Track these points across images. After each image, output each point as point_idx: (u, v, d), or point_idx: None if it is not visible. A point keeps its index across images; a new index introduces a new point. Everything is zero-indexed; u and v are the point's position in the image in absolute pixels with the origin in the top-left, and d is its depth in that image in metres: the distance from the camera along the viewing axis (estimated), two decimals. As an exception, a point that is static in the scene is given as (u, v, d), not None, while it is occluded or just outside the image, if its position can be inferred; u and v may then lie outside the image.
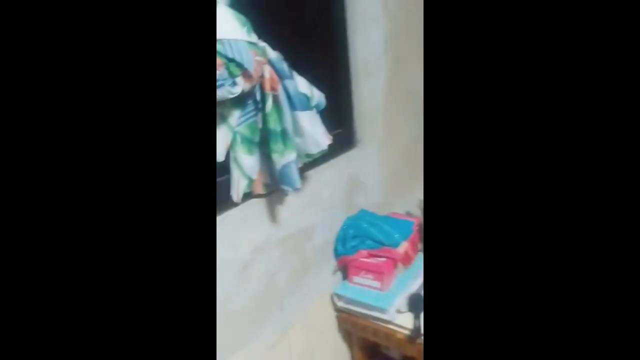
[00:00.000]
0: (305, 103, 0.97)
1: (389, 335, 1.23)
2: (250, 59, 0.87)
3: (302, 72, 1.00)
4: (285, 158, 0.97)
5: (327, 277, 1.32)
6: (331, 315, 1.33)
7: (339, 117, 1.30)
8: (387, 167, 1.48)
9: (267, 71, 0.92)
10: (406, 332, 1.19)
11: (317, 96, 1.01)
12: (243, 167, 0.99)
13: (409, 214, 1.51)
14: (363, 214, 1.34)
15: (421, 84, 1.55)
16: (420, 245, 1.38)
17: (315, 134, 1.00)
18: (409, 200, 1.53)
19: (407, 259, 1.29)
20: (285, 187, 1.00)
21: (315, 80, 1.03)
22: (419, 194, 1.52)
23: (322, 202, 1.26)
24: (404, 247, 1.27)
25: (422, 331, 1.16)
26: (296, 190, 1.01)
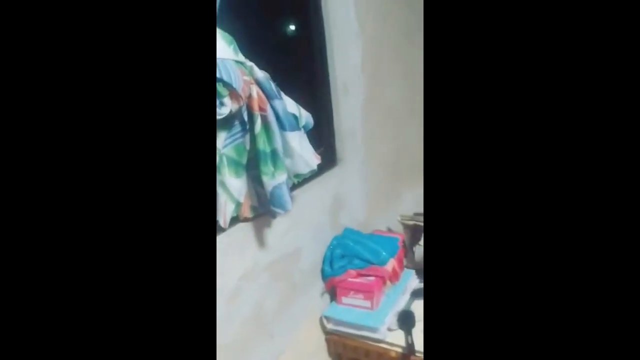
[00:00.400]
0: (294, 123, 0.95)
1: (381, 354, 1.21)
2: (238, 79, 0.84)
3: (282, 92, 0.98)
4: (276, 179, 0.94)
5: (316, 300, 1.28)
6: (321, 339, 1.29)
7: (320, 136, 1.29)
8: (368, 184, 1.48)
9: (255, 91, 0.90)
10: (399, 349, 1.18)
11: (305, 116, 1.00)
12: (230, 190, 0.95)
13: (389, 230, 1.51)
14: (348, 232, 1.32)
15: (398, 101, 1.58)
16: (406, 261, 1.38)
17: (304, 154, 0.98)
18: (389, 216, 1.53)
19: (394, 276, 1.28)
20: (277, 210, 0.97)
21: (295, 99, 1.01)
22: (399, 210, 1.52)
23: (307, 222, 1.23)
24: (391, 264, 1.26)
25: (415, 348, 1.15)
26: (287, 212, 0.99)
